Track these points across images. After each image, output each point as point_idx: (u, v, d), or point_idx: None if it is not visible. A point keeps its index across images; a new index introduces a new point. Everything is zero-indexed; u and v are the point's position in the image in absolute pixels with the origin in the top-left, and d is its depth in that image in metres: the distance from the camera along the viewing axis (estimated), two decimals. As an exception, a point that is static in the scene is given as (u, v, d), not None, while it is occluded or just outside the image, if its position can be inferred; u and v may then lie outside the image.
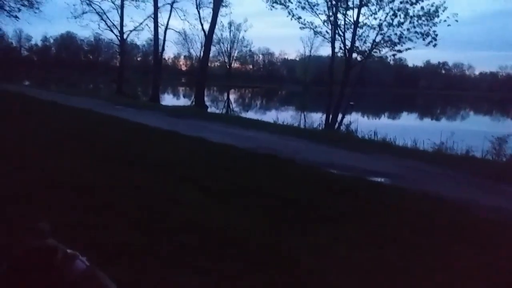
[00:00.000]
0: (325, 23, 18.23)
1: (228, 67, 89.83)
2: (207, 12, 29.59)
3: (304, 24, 18.31)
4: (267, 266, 2.96)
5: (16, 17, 18.05)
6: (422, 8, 15.94)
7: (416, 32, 16.27)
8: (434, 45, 16.37)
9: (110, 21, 33.10)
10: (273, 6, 18.69)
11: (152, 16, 30.10)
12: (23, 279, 1.17)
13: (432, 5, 15.77)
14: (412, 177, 7.04)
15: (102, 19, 32.68)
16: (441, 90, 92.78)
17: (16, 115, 10.79)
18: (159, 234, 3.37)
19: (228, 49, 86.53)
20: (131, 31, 34.07)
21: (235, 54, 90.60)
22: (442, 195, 5.46)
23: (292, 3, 18.05)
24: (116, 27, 33.40)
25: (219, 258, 3.02)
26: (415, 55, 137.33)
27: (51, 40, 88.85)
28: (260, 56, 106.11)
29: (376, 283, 2.88)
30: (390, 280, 2.92)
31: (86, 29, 68.01)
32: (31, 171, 5.02)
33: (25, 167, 5.19)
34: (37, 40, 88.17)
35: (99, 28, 33.92)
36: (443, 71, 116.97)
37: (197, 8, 30.26)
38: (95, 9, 32.09)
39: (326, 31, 18.51)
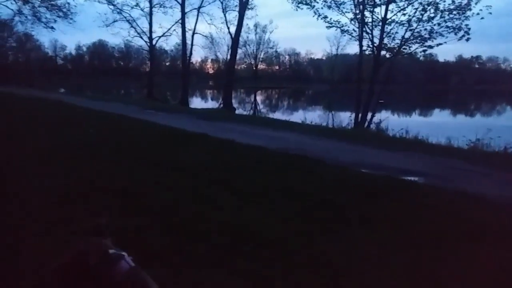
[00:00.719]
0: (352, 21, 18.03)
1: (254, 68, 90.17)
2: (233, 15, 29.87)
3: (331, 23, 18.17)
4: (301, 267, 2.96)
5: (52, 28, 18.82)
6: (453, 1, 15.48)
7: (447, 26, 15.81)
8: (467, 39, 15.83)
9: (140, 28, 34.07)
10: (298, 7, 18.67)
11: (180, 21, 30.73)
12: (68, 281, 1.24)
13: (463, -2, 15.29)
14: (448, 175, 6.84)
15: (132, 26, 33.70)
16: (475, 85, 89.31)
17: (54, 121, 11.25)
18: (193, 236, 3.43)
19: (254, 51, 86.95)
20: (159, 37, 34.93)
21: (261, 56, 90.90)
22: (480, 194, 5.28)
23: (318, 2, 17.97)
24: (145, 34, 34.32)
25: (253, 260, 3.04)
26: (446, 50, 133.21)
27: (84, 49, 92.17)
28: (286, 56, 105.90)
29: (413, 285, 2.83)
30: (428, 284, 2.86)
31: (117, 36, 70.39)
32: (70, 176, 5.23)
33: (64, 171, 5.42)
34: (71, 49, 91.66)
35: (129, 35, 35.08)
36: (477, 66, 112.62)
37: (223, 11, 30.70)
38: (125, 17, 33.15)
39: (353, 29, 18.30)
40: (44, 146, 7.22)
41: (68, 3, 18.54)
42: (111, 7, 32.50)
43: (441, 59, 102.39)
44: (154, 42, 35.11)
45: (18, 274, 2.63)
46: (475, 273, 3.04)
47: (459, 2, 15.40)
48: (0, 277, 2.59)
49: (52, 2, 18.04)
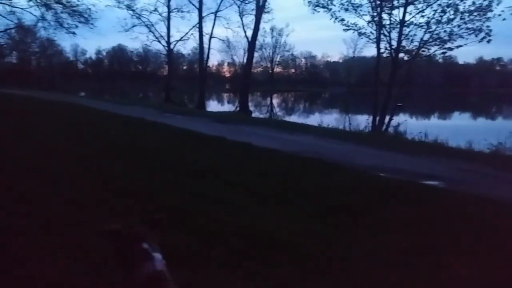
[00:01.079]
0: (370, 24, 17.88)
1: (270, 72, 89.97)
2: (249, 19, 29.95)
3: (348, 26, 18.06)
4: (320, 271, 2.95)
5: (73, 33, 19.25)
6: (474, 2, 15.18)
7: (467, 28, 15.51)
8: (488, 41, 15.50)
9: (158, 32, 34.68)
10: (315, 10, 18.62)
11: (197, 26, 31.06)
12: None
13: (484, -1, 15.00)
14: (468, 180, 6.71)
15: (150, 31, 34.33)
16: (496, 87, 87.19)
17: (74, 123, 11.50)
18: (210, 238, 3.45)
19: (271, 54, 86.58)
20: (177, 41, 35.45)
21: (277, 59, 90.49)
22: (502, 199, 5.16)
23: (334, 5, 17.89)
24: (163, 38, 34.87)
25: (271, 263, 3.04)
26: (466, 52, 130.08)
27: (104, 53, 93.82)
28: (303, 59, 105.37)
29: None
30: (448, 287, 2.82)
31: (136, 41, 71.56)
32: (89, 177, 5.34)
33: (83, 173, 5.54)
34: (91, 54, 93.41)
35: (147, 39, 35.73)
36: (498, 68, 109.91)
37: (240, 15, 30.90)
38: (143, 22, 33.79)
39: (371, 32, 18.14)
40: (65, 148, 7.39)
41: (89, 9, 18.96)
42: (130, 12, 33.21)
43: (461, 61, 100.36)
44: (171, 46, 35.71)
45: (38, 275, 2.70)
46: (496, 279, 2.98)
47: (479, 3, 15.11)
48: (21, 277, 2.67)
49: (74, 8, 18.47)
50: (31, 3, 18.35)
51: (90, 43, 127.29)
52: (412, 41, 17.11)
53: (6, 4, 19.59)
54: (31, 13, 20.10)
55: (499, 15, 15.06)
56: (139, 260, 1.22)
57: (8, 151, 6.84)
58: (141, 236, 1.27)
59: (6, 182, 4.82)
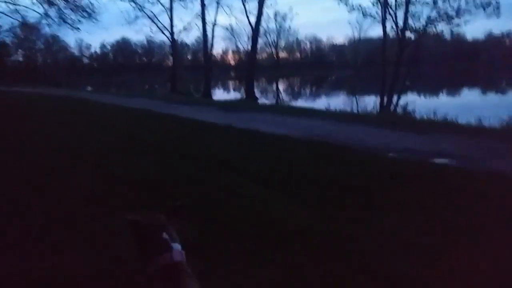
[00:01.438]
0: (375, 4, 17.60)
1: (275, 57, 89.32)
2: (252, 5, 29.72)
3: (353, 7, 17.86)
4: (331, 255, 2.95)
5: (77, 28, 19.30)
6: (481, -25, 14.82)
7: (475, 3, 15.18)
8: (497, 15, 15.17)
9: (161, 23, 34.54)
10: (318, -9, 18.33)
11: (200, 14, 30.83)
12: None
13: (492, -29, 14.62)
14: (480, 156, 6.61)
15: (153, 22, 34.22)
16: (506, 61, 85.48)
17: (82, 119, 11.58)
18: (221, 226, 3.48)
19: (275, 39, 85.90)
20: (181, 31, 35.28)
21: (282, 44, 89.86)
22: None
23: (338, -14, 17.59)
24: (166, 29, 34.74)
25: (282, 249, 3.05)
26: (475, 27, 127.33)
27: (108, 47, 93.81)
28: (308, 43, 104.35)
29: (447, 269, 2.77)
30: (461, 265, 2.80)
31: (139, 33, 71.34)
32: (99, 169, 5.40)
33: (92, 167, 5.59)
34: (96, 48, 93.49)
35: (151, 31, 35.66)
36: (507, 42, 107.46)
37: (242, 2, 30.56)
38: (146, 14, 33.66)
39: (376, 12, 17.93)
40: (74, 143, 7.46)
41: (92, 4, 18.95)
42: (133, 4, 33.05)
43: (469, 37, 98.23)
44: (175, 36, 35.55)
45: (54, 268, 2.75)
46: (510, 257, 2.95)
47: (487, -24, 14.74)
48: (36, 273, 2.71)
49: (77, 3, 18.46)
50: (34, 1, 18.38)
51: (94, 37, 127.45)
52: (418, 19, 16.86)
53: (10, 3, 19.64)
54: (34, 10, 20.16)
55: (508, -14, 14.69)
56: (158, 251, 1.20)
57: (17, 148, 6.92)
58: (161, 225, 1.26)
59: (17, 178, 4.89)
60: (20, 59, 63.83)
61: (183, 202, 1.41)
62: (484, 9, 15.21)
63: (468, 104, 19.49)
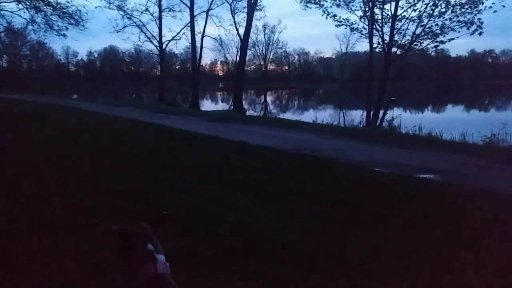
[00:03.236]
0: (362, 19, 17.95)
1: (264, 69, 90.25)
2: (241, 17, 29.92)
3: (340, 22, 18.11)
4: (319, 269, 2.94)
5: (64, 35, 19.08)
6: (465, -5, 15.28)
7: (459, 21, 15.63)
8: (480, 34, 15.62)
9: (150, 32, 34.52)
10: (307, 6, 18.69)
11: (189, 25, 30.92)
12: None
13: (476, -8, 15.09)
14: (463, 172, 6.74)
15: (142, 31, 34.17)
16: (489, 79, 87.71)
17: (68, 128, 11.41)
18: (208, 238, 3.43)
19: (264, 51, 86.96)
20: (169, 40, 35.31)
21: (271, 56, 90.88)
22: (497, 191, 5.18)
23: (326, 1, 17.95)
24: (155, 38, 34.71)
25: (270, 262, 3.03)
26: (459, 45, 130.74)
27: (96, 55, 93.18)
28: (296, 56, 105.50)
29: (433, 283, 2.79)
30: (447, 279, 2.82)
31: (127, 42, 70.94)
32: (85, 180, 5.29)
33: (78, 176, 5.49)
34: (83, 55, 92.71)
35: (139, 40, 35.53)
36: (490, 60, 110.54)
37: (232, 13, 30.90)
38: (135, 22, 33.63)
39: (363, 27, 18.22)
40: (59, 152, 7.32)
41: (79, 11, 18.82)
42: (121, 13, 32.98)
43: (453, 54, 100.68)
44: (164, 46, 35.51)
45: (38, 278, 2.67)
46: (495, 271, 2.98)
47: (470, -4, 15.20)
48: (21, 281, 2.64)
49: (64, 10, 18.31)
50: (20, 6, 18.21)
51: (82, 45, 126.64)
52: (404, 35, 17.24)
53: (-5, 7, 19.42)
54: (20, 16, 19.94)
55: (490, 7, 15.21)
56: (142, 262, 1.18)
57: (2, 157, 6.76)
58: (146, 236, 1.24)
59: (4, 187, 4.77)
60: (5, 65, 62.91)
61: (168, 213, 1.38)
62: (468, 28, 15.60)
63: (452, 120, 19.87)
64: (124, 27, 33.44)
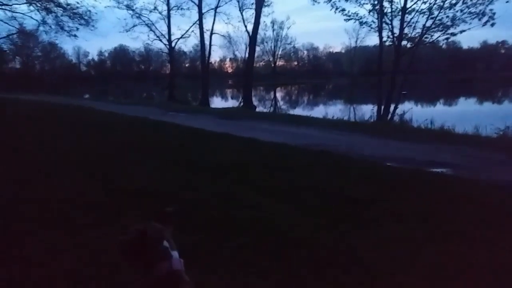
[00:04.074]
0: (371, 13, 17.70)
1: (273, 65, 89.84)
2: (250, 13, 29.93)
3: (349, 16, 17.90)
4: (332, 265, 2.94)
5: (75, 35, 19.29)
6: (476, -14, 14.99)
7: (470, 12, 15.31)
8: (492, 25, 15.27)
9: (159, 31, 34.69)
10: (315, 1, 18.49)
11: (197, 22, 30.97)
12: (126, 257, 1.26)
13: (487, -18, 14.79)
14: (476, 166, 6.65)
15: (151, 30, 34.34)
16: (502, 71, 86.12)
17: (81, 126, 11.56)
18: (220, 235, 3.46)
19: (272, 47, 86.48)
20: (178, 39, 35.45)
21: (279, 52, 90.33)
22: (510, 184, 5.12)
23: (335, -5, 17.72)
24: (164, 37, 34.88)
25: (283, 259, 3.04)
26: (470, 36, 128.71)
27: (106, 54, 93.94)
28: (305, 51, 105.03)
29: (446, 279, 2.77)
30: (460, 275, 2.80)
31: (137, 41, 71.16)
32: (96, 177, 5.37)
33: (94, 174, 5.57)
34: (93, 55, 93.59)
35: (148, 39, 35.76)
36: (503, 51, 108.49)
37: (240, 10, 30.84)
38: (144, 21, 33.79)
39: (372, 21, 17.97)
40: (74, 151, 7.43)
41: (89, 11, 19.01)
42: (130, 12, 33.18)
43: (465, 46, 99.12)
44: (173, 44, 35.70)
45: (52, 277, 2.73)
46: (510, 267, 2.96)
47: (482, -13, 14.91)
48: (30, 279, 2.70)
49: (74, 11, 18.50)
50: (31, 8, 18.45)
51: (92, 44, 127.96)
52: (414, 28, 16.96)
53: (7, 10, 19.70)
54: (32, 17, 20.24)
55: (503, -3, 14.86)
56: (158, 260, 1.21)
57: (17, 156, 6.90)
58: (162, 234, 1.27)
59: (17, 186, 4.87)
60: (18, 66, 63.90)
61: (173, 209, 1.41)
62: (479, 19, 15.30)
63: (465, 113, 19.61)
64: (134, 26, 33.66)
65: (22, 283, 2.68)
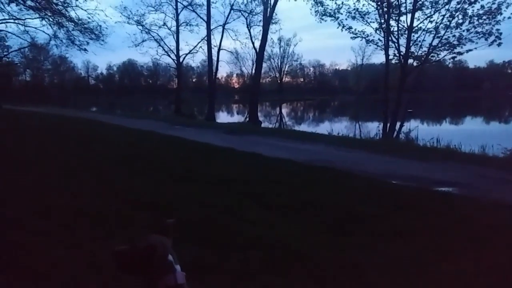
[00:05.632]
0: (377, 31, 17.86)
1: (279, 81, 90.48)
2: (257, 30, 30.29)
3: (355, 34, 18.07)
4: (334, 281, 2.92)
5: (85, 50, 19.57)
6: (482, 6, 15.10)
7: (477, 32, 15.40)
8: (499, 44, 15.34)
9: (167, 46, 35.19)
10: (322, 19, 18.72)
11: (206, 38, 31.39)
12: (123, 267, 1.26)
13: (493, 3, 14.91)
14: (483, 185, 6.60)
15: (159, 45, 34.86)
16: (508, 91, 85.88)
17: (88, 139, 11.66)
18: (223, 249, 3.45)
19: (279, 64, 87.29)
20: (186, 54, 35.90)
21: (286, 69, 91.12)
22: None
23: (341, 14, 17.95)
24: (172, 52, 35.34)
25: (285, 274, 3.03)
26: (477, 56, 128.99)
27: (115, 68, 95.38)
28: (311, 68, 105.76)
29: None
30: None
31: (146, 55, 72.08)
32: (102, 190, 5.40)
33: (96, 186, 5.60)
34: (102, 69, 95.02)
35: (157, 53, 36.29)
36: (509, 70, 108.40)
37: (247, 27, 31.24)
38: (153, 37, 34.34)
39: (379, 39, 18.12)
40: (76, 161, 7.49)
41: (100, 26, 19.32)
42: (140, 27, 33.73)
43: (471, 65, 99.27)
44: (181, 59, 36.08)
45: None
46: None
47: (488, 7, 15.02)
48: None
49: (85, 26, 18.80)
50: (44, 22, 18.81)
51: (101, 59, 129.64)
52: (421, 47, 17.06)
53: (20, 24, 20.14)
54: (43, 31, 20.65)
55: (509, 17, 14.96)
56: (163, 273, 1.22)
57: (22, 166, 6.96)
58: (168, 247, 1.28)
59: (25, 198, 4.90)
60: (28, 79, 64.91)
61: (173, 220, 1.42)
62: (486, 38, 15.38)
63: (471, 132, 19.50)
64: (143, 41, 34.19)
65: None
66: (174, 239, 1.36)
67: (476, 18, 15.30)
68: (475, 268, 3.16)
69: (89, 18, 18.57)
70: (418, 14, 16.67)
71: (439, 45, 16.47)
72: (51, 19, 18.46)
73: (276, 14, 29.39)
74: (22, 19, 19.72)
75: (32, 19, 19.68)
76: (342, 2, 17.86)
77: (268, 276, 2.97)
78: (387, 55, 18.14)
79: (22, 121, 18.04)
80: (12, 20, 19.99)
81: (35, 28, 20.79)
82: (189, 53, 35.64)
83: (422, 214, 4.68)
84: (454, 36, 15.98)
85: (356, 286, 2.87)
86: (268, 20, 26.83)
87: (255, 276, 2.97)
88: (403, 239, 3.79)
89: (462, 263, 3.25)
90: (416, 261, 3.28)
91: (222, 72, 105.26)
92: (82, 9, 17.98)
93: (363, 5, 18.53)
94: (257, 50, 28.78)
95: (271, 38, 63.02)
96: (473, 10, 15.32)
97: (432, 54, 16.97)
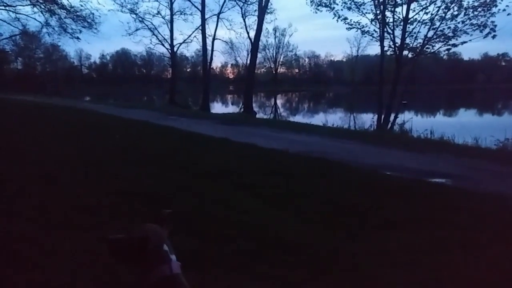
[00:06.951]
0: (373, 22, 17.85)
1: (274, 72, 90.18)
2: (252, 20, 30.00)
3: (351, 25, 18.03)
4: (329, 272, 2.93)
5: (77, 38, 19.27)
6: (478, -2, 15.12)
7: (472, 24, 15.44)
8: (493, 37, 15.40)
9: (161, 35, 34.89)
10: (318, 9, 18.64)
11: (200, 28, 31.13)
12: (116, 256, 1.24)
13: (488, -6, 14.91)
14: (476, 176, 6.66)
15: (153, 34, 34.54)
16: (502, 83, 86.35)
17: (80, 129, 11.56)
18: (217, 240, 3.45)
19: (274, 54, 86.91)
20: (180, 43, 35.63)
21: (281, 59, 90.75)
22: (509, 196, 5.11)
23: (337, 4, 17.89)
24: (166, 41, 35.05)
25: (279, 264, 3.03)
26: (471, 48, 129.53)
27: (108, 57, 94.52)
28: (306, 59, 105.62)
29: (444, 286, 2.77)
30: (458, 283, 2.79)
31: (139, 44, 71.39)
32: (96, 181, 5.36)
33: (90, 177, 5.56)
34: (95, 58, 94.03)
35: (151, 43, 35.90)
36: (503, 63, 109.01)
37: (242, 17, 31.00)
38: (147, 26, 34.00)
39: (374, 30, 18.13)
40: (72, 153, 7.42)
41: (93, 14, 19.01)
42: (133, 16, 33.35)
43: (465, 57, 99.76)
44: (175, 49, 35.83)
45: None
46: (508, 276, 2.95)
47: (483, -1, 15.04)
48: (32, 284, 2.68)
49: (78, 13, 18.51)
50: (35, 9, 18.50)
51: (94, 47, 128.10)
52: (416, 38, 17.09)
53: (11, 11, 19.77)
54: (35, 19, 20.34)
55: (504, 10, 15.00)
56: (158, 263, 1.21)
57: (16, 157, 6.88)
58: (163, 237, 1.26)
59: (16, 188, 4.85)
60: (19, 67, 64.06)
61: (170, 211, 1.41)
62: (481, 31, 15.41)
63: (464, 124, 19.63)
64: (136, 30, 33.84)
65: (20, 285, 2.65)
66: (170, 230, 1.34)
67: (471, 10, 15.34)
68: (469, 259, 3.18)
69: (81, 5, 18.32)
70: (414, 5, 16.67)
71: (434, 36, 16.52)
72: (42, 6, 18.17)
73: (271, 4, 29.40)
74: (13, 6, 19.36)
75: (23, 5, 19.32)
76: (338, -8, 17.76)
77: (262, 266, 2.98)
78: (382, 46, 18.15)
79: (12, 110, 17.83)
80: (2, 7, 19.60)
81: (26, 15, 20.41)
82: (183, 42, 35.43)
83: (415, 205, 4.71)
84: (449, 28, 16.03)
85: (350, 276, 2.88)
86: (263, 9, 26.64)
87: (249, 266, 2.97)
88: (398, 230, 3.81)
89: (456, 254, 3.28)
90: (409, 251, 3.31)
91: (217, 62, 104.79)
92: (74, -5, 17.70)
93: (359, -5, 18.38)
94: (252, 40, 28.64)
95: (266, 28, 62.90)
96: (468, 2, 15.37)
97: (427, 46, 17.02)
